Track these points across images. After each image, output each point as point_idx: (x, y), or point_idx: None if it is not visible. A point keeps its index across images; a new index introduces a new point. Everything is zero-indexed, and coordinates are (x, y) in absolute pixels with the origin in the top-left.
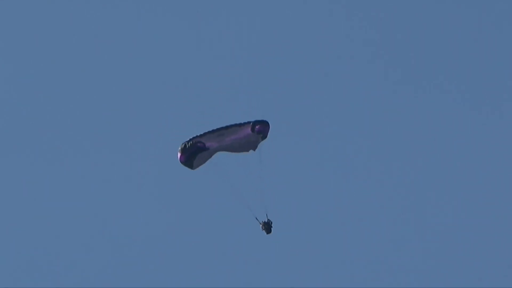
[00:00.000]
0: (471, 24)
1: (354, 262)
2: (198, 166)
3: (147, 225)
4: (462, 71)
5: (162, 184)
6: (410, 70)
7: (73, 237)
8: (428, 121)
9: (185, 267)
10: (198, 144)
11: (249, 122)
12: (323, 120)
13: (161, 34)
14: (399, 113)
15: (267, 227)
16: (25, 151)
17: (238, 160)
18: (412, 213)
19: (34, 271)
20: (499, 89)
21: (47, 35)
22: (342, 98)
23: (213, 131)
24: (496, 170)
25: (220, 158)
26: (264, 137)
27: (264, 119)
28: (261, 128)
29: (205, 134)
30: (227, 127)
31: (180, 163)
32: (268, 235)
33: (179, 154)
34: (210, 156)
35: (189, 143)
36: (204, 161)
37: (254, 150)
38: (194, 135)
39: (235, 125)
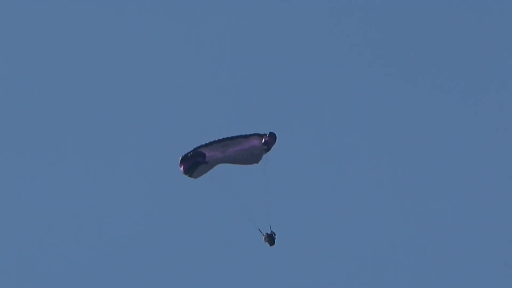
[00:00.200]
0: (468, 22)
1: (360, 276)
2: (200, 175)
3: (147, 235)
4: (460, 68)
5: (164, 194)
6: (408, 69)
7: (72, 237)
8: (426, 119)
9: (186, 277)
10: (200, 155)
11: (254, 134)
12: (328, 128)
13: (161, 36)
14: (399, 113)
15: (271, 239)
16: (22, 151)
17: (241, 170)
18: (418, 216)
19: (30, 271)
20: (496, 86)
21: (43, 35)
22: (343, 100)
23: (218, 141)
24: (493, 167)
25: (223, 168)
26: (268, 149)
27: (271, 131)
28: (269, 140)
29: (209, 143)
30: (232, 138)
31: (182, 173)
32: (271, 247)
33: (180, 164)
34: (213, 167)
35: (191, 153)
36: (207, 171)
37: (258, 163)
38: (198, 145)
39: (241, 136)
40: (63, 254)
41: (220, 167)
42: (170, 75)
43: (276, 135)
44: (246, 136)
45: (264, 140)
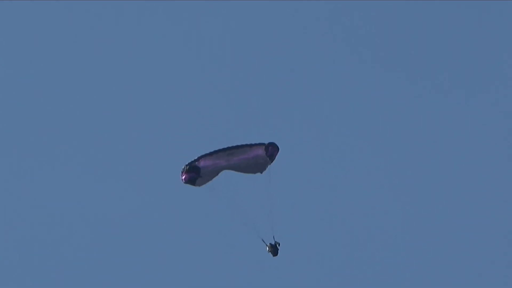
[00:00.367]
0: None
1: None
2: (203, 184)
3: (149, 243)
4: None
5: (167, 202)
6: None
7: (71, 237)
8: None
9: (187, 285)
10: (195, 170)
11: (259, 144)
12: (332, 133)
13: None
14: (400, 115)
15: (274, 249)
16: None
17: (245, 180)
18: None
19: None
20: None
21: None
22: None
23: (222, 150)
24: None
25: (227, 177)
26: (272, 160)
27: (273, 137)
28: (272, 151)
29: (214, 152)
30: (237, 147)
31: (183, 182)
32: (274, 257)
33: (181, 174)
34: (217, 174)
35: (188, 167)
36: (211, 179)
37: (262, 172)
38: (203, 153)
39: (245, 145)
40: (62, 254)
41: (224, 178)
42: (171, 78)
43: (277, 145)
44: (250, 145)
45: (268, 153)
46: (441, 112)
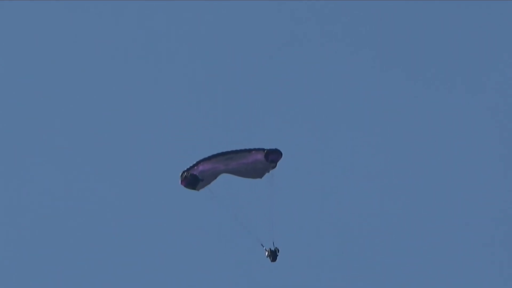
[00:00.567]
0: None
1: None
2: (202, 187)
3: (148, 247)
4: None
5: (166, 205)
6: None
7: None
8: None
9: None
10: (193, 176)
11: (259, 149)
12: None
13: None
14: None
15: (273, 255)
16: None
17: (245, 185)
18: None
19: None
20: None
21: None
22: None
23: (221, 154)
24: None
25: (227, 182)
26: (275, 166)
27: (274, 147)
28: (274, 157)
29: (212, 156)
30: (236, 152)
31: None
32: (273, 263)
33: (180, 181)
34: (215, 178)
35: (187, 173)
36: (209, 182)
37: (261, 178)
38: (202, 158)
39: (244, 150)
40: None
41: (225, 182)
42: (170, 79)
43: (280, 151)
44: (249, 150)
45: (272, 158)
46: (441, 110)
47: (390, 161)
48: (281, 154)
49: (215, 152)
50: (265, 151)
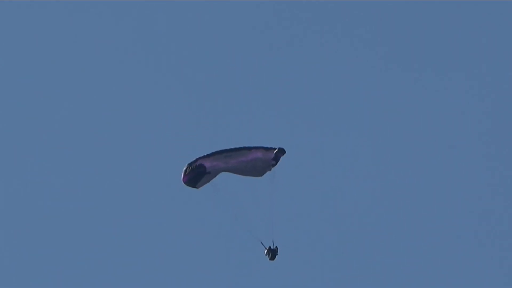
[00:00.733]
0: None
1: None
2: (202, 185)
3: (147, 244)
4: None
5: (165, 204)
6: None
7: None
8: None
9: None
10: (202, 167)
11: (258, 147)
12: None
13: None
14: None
15: (272, 253)
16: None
17: (246, 183)
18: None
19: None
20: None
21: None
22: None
23: (220, 152)
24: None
25: (228, 180)
26: (275, 164)
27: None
28: (279, 156)
29: (212, 154)
30: (235, 150)
31: (184, 184)
32: (271, 261)
33: (183, 177)
34: (215, 176)
35: (193, 166)
36: (209, 180)
37: (262, 176)
38: (201, 155)
39: (244, 148)
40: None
41: (225, 180)
42: (169, 78)
43: (284, 149)
44: (249, 148)
45: (276, 156)
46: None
47: (389, 161)
48: (283, 151)
49: (214, 150)
50: (271, 150)
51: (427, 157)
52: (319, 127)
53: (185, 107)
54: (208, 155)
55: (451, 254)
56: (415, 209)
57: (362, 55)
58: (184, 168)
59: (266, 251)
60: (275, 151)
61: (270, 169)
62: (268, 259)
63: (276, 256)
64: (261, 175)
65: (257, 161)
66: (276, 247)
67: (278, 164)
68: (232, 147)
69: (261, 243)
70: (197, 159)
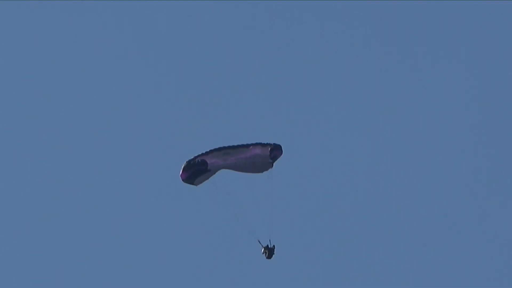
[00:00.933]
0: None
1: None
2: (201, 182)
3: (145, 240)
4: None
5: (163, 199)
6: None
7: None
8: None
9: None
10: (202, 163)
11: (257, 143)
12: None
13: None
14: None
15: (269, 252)
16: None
17: (245, 180)
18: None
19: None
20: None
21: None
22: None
23: (219, 149)
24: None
25: (226, 177)
26: (272, 165)
27: (272, 141)
28: (276, 154)
29: (210, 151)
30: (234, 147)
31: (182, 181)
32: (268, 260)
33: (182, 173)
34: (214, 173)
35: (193, 162)
36: (208, 178)
37: (261, 172)
38: (199, 153)
39: (242, 145)
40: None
41: (224, 177)
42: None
43: (280, 146)
44: (247, 145)
45: (273, 154)
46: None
47: (389, 160)
48: (282, 151)
49: (213, 147)
50: (270, 146)
51: (427, 156)
52: (318, 125)
53: (184, 106)
54: (207, 153)
55: (451, 254)
56: (414, 206)
57: (359, 49)
58: (183, 165)
59: (263, 250)
60: (270, 148)
61: (271, 167)
62: (265, 257)
63: (273, 255)
64: (261, 172)
65: (256, 157)
66: (273, 245)
67: (277, 161)
68: (231, 144)
69: (259, 241)
70: (196, 157)
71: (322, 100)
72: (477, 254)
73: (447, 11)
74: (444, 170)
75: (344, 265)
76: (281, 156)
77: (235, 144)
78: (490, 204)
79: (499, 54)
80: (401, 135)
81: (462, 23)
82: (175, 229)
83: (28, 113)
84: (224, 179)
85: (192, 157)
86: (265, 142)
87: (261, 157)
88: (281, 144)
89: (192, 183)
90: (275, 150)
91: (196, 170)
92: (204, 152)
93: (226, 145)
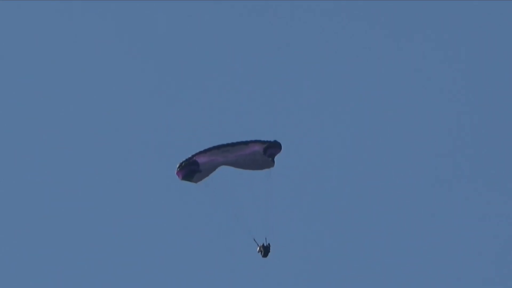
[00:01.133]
0: None
1: None
2: (200, 179)
3: (141, 238)
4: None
5: (158, 197)
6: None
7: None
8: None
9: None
10: (194, 163)
11: (256, 141)
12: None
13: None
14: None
15: (265, 250)
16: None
17: (242, 178)
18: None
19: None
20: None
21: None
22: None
23: (217, 147)
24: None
25: (223, 175)
26: (273, 164)
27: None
28: (272, 151)
29: (209, 149)
30: (232, 144)
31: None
32: (264, 258)
33: (177, 173)
34: (214, 170)
35: (185, 162)
36: (207, 175)
37: (261, 169)
38: (198, 151)
39: (241, 142)
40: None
41: (220, 175)
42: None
43: (279, 143)
44: (247, 142)
45: (269, 151)
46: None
47: (388, 160)
48: (280, 148)
49: (211, 145)
50: (265, 144)
51: (426, 156)
52: (316, 123)
53: (183, 104)
54: (205, 150)
55: (450, 254)
56: (414, 206)
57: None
58: (177, 165)
59: (258, 249)
60: (267, 145)
61: (273, 165)
62: (261, 256)
63: (269, 253)
64: (262, 169)
65: (256, 154)
66: (269, 244)
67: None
68: (230, 142)
69: (254, 240)
70: (193, 155)
71: (322, 98)
72: (476, 254)
73: (447, 11)
74: (444, 170)
75: (341, 264)
76: (279, 153)
77: (235, 141)
78: (490, 204)
79: (499, 54)
80: (401, 134)
81: (462, 23)
82: (170, 227)
83: (28, 113)
84: (221, 177)
85: (187, 157)
86: (265, 140)
87: (261, 154)
88: (280, 142)
89: (190, 180)
90: (271, 148)
91: (188, 171)
92: (203, 149)
93: (225, 142)
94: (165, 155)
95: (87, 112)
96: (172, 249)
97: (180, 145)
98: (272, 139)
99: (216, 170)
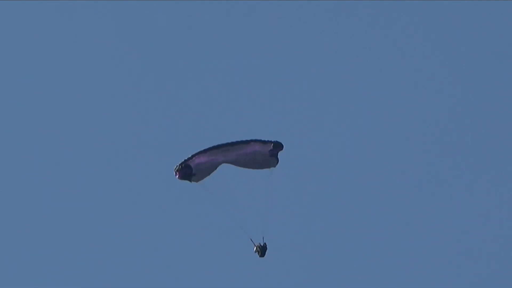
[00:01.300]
0: None
1: None
2: (201, 179)
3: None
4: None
5: (158, 195)
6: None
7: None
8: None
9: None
10: (188, 167)
11: (256, 140)
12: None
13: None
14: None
15: (262, 250)
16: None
17: (240, 177)
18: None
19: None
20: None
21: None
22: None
23: (217, 147)
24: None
25: (222, 175)
26: (275, 164)
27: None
28: (275, 151)
29: (208, 149)
30: (232, 144)
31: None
32: (261, 258)
33: (175, 172)
34: (215, 169)
35: (181, 165)
36: (208, 174)
37: (262, 168)
38: (197, 150)
39: (241, 142)
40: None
41: (218, 177)
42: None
43: (280, 143)
44: (247, 142)
45: (271, 151)
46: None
47: (388, 160)
48: (282, 147)
49: (211, 145)
50: (267, 144)
51: (426, 156)
52: (316, 123)
53: (183, 104)
54: (205, 150)
55: (450, 254)
56: (414, 206)
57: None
58: (177, 165)
59: (255, 248)
60: (271, 145)
61: (274, 166)
62: (258, 256)
63: (266, 253)
64: (262, 168)
65: (256, 154)
66: (265, 243)
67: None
68: (229, 141)
69: (251, 239)
70: (193, 155)
71: (322, 98)
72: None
73: (447, 11)
74: (444, 170)
75: (340, 264)
76: (281, 151)
77: (235, 140)
78: (490, 204)
79: (499, 54)
80: (400, 134)
81: (462, 23)
82: (167, 226)
83: (27, 113)
84: (218, 177)
85: (185, 158)
86: (266, 139)
87: (262, 154)
88: (281, 142)
89: (189, 180)
90: (275, 148)
91: (183, 174)
92: (203, 149)
93: (224, 142)
94: (165, 155)
95: (86, 112)
96: (169, 249)
97: (180, 145)
98: (272, 139)
99: (217, 169)
